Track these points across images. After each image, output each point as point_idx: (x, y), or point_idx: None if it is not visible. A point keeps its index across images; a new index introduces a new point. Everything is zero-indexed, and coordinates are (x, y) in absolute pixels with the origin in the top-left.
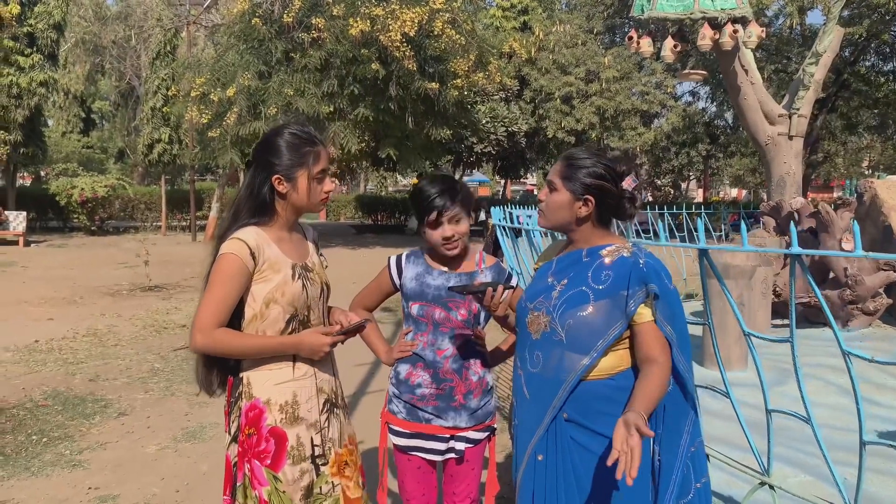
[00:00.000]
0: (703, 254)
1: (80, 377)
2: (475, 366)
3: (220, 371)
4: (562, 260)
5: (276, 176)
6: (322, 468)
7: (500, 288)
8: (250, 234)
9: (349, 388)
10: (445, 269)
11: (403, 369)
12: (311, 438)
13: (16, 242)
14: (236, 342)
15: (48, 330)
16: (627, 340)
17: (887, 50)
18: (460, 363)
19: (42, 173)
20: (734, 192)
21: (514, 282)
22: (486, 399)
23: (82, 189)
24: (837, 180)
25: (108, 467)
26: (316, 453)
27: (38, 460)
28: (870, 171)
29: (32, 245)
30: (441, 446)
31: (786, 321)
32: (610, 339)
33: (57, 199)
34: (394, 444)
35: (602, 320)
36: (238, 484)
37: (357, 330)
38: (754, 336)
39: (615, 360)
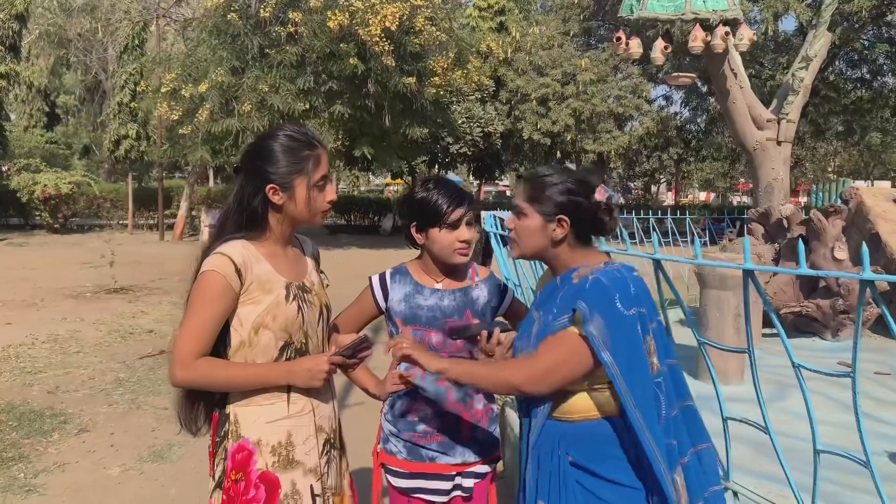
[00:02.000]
0: (748, 274)
1: (38, 388)
2: (479, 392)
3: (206, 406)
4: (542, 292)
5: (270, 185)
6: None
7: (497, 332)
8: (235, 249)
9: None
10: (438, 285)
11: (401, 404)
12: (311, 486)
13: None
14: (220, 373)
15: (5, 336)
16: (608, 384)
17: (855, 57)
18: (464, 391)
19: (3, 168)
20: (703, 196)
21: (509, 295)
22: (492, 427)
23: (45, 185)
24: (804, 185)
25: (66, 492)
26: (316, 503)
27: None
28: (834, 176)
29: None
30: (446, 485)
31: (774, 330)
32: None
33: (18, 195)
34: (392, 487)
35: None
36: None
37: (359, 347)
38: (805, 368)
39: (587, 403)
